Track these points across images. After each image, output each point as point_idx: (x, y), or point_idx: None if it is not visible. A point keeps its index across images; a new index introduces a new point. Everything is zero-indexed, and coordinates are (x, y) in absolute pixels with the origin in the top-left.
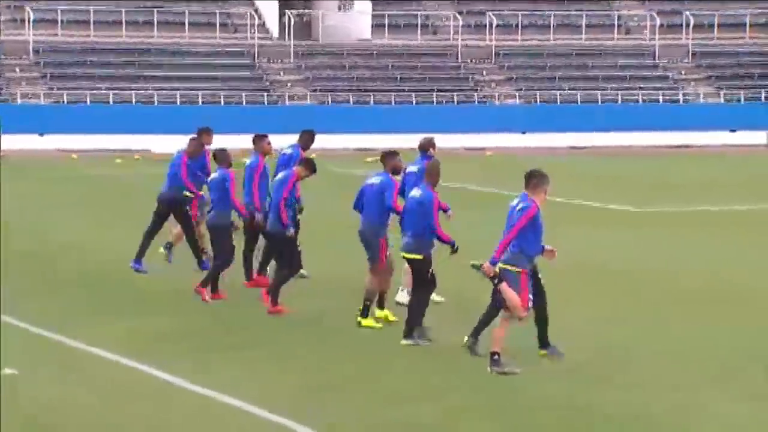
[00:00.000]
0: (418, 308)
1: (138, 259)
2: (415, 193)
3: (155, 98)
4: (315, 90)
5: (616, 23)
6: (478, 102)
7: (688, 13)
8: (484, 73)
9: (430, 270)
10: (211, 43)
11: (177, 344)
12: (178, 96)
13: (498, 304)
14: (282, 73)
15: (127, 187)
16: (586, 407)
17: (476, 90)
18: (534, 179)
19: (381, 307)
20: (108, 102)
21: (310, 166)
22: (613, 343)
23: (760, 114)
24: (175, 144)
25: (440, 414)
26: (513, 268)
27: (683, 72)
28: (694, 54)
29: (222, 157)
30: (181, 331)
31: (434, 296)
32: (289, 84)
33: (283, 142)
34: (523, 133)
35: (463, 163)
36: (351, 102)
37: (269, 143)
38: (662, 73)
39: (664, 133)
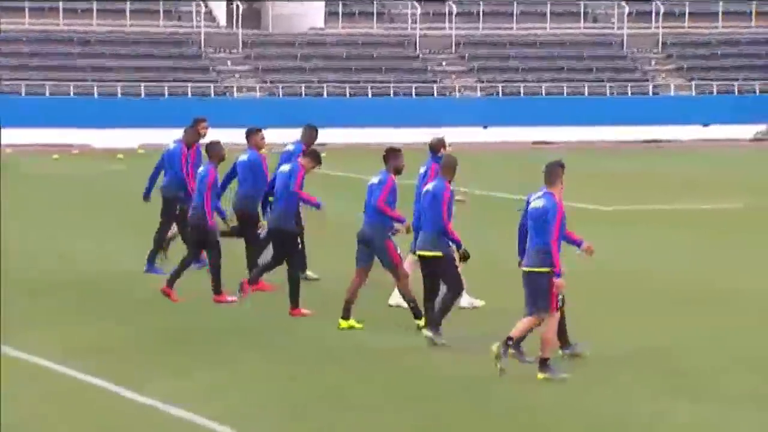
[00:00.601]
0: (450, 305)
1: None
2: (429, 186)
3: (95, 90)
4: (265, 82)
5: (582, 11)
6: (437, 94)
7: (658, 1)
8: (444, 63)
9: (455, 269)
10: (154, 32)
11: (114, 353)
12: (119, 88)
13: (532, 308)
14: (230, 64)
15: (63, 183)
16: (558, 411)
17: (435, 82)
18: (546, 173)
19: (345, 317)
20: (44, 94)
21: (316, 158)
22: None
23: (733, 107)
24: (116, 139)
25: (409, 428)
26: (542, 269)
27: (653, 63)
28: (664, 44)
29: (214, 151)
30: (122, 340)
31: (475, 301)
32: (237, 75)
33: (230, 136)
34: (485, 127)
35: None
36: (303, 94)
37: (263, 137)
38: (631, 64)
39: (633, 128)
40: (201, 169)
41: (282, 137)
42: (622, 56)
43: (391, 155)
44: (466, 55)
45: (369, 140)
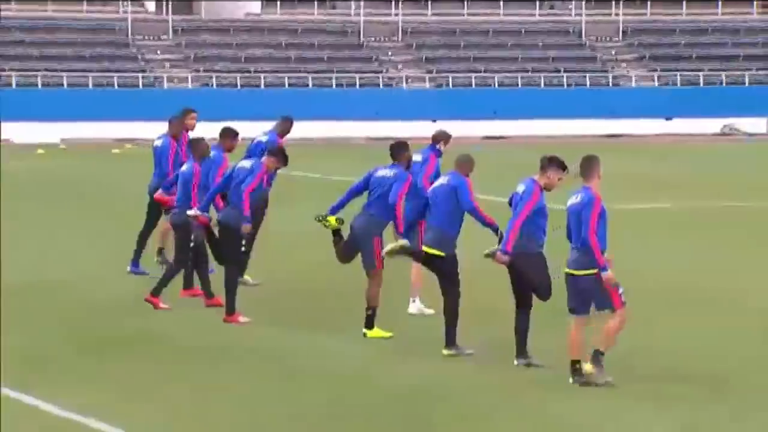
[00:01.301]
0: (453, 312)
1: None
2: (444, 180)
3: (13, 80)
4: (197, 71)
5: None
6: (383, 85)
7: None
8: (390, 53)
9: (457, 269)
10: (77, 17)
11: (32, 365)
12: (39, 78)
13: (600, 307)
14: (159, 52)
15: None
16: (535, 414)
17: (381, 72)
18: (582, 167)
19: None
20: None
21: (282, 158)
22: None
23: (698, 100)
24: (36, 132)
25: None
26: (589, 272)
27: (613, 52)
28: (625, 32)
29: (198, 147)
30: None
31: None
32: (167, 64)
33: (162, 131)
34: (434, 120)
35: (364, 154)
36: (239, 85)
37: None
38: (590, 53)
39: (592, 121)
40: (184, 167)
41: (216, 131)
42: (581, 45)
43: (402, 149)
44: (414, 43)
45: (310, 135)
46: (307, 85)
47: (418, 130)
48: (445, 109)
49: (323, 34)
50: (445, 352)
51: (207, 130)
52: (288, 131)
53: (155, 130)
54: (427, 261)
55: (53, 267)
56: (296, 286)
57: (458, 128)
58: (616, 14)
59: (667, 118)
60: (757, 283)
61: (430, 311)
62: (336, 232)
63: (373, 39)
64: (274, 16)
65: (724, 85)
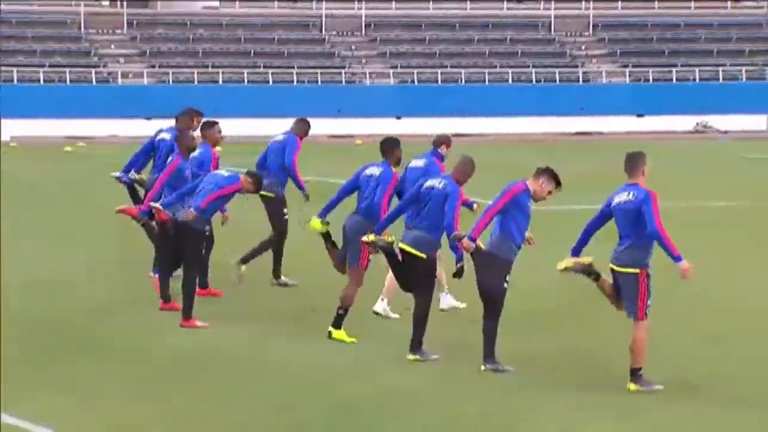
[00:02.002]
0: (422, 315)
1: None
2: (437, 183)
3: None
4: (153, 66)
5: None
6: (346, 82)
7: None
8: (353, 47)
9: (435, 273)
10: (27, 10)
11: None
12: None
13: (629, 312)
14: (113, 47)
15: None
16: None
17: (344, 68)
18: (627, 163)
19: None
20: None
21: (257, 183)
22: (542, 351)
23: (671, 96)
24: None
25: None
26: (630, 269)
27: (583, 47)
28: (595, 26)
29: (184, 141)
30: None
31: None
32: (121, 59)
33: (116, 128)
34: (398, 118)
35: (326, 153)
36: (196, 81)
37: (220, 131)
38: (559, 48)
39: (562, 118)
40: (169, 159)
41: (172, 129)
42: (550, 40)
43: (392, 145)
44: (377, 38)
45: (269, 132)
46: (267, 82)
47: (382, 127)
48: (409, 105)
49: (284, 28)
50: (410, 356)
51: (157, 127)
52: (306, 132)
53: (109, 127)
54: (405, 261)
55: (12, 270)
56: (268, 288)
57: (423, 126)
58: (587, 8)
59: (639, 115)
60: (741, 282)
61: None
62: (327, 238)
63: (335, 33)
64: (233, 10)
65: (697, 81)
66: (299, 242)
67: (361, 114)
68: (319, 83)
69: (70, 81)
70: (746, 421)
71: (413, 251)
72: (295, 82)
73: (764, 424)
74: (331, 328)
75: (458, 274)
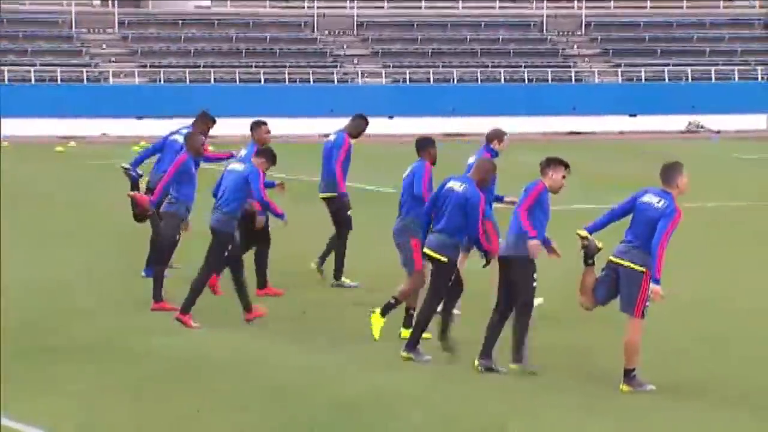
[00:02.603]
0: (426, 316)
1: (147, 266)
2: (458, 186)
3: None
4: (144, 66)
5: None
6: (339, 81)
7: None
8: (345, 47)
9: (452, 277)
10: (19, 9)
11: None
12: None
13: (623, 308)
14: (105, 46)
15: None
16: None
17: (336, 67)
18: (664, 173)
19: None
20: None
21: (270, 156)
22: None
23: (663, 96)
24: None
25: None
26: (639, 267)
27: (575, 47)
28: (587, 26)
29: (193, 142)
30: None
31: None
32: (113, 59)
33: (107, 128)
34: (390, 117)
35: (318, 152)
36: (187, 80)
37: (268, 131)
38: (551, 48)
39: (554, 118)
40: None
41: (162, 128)
42: (542, 39)
43: (426, 144)
44: (370, 37)
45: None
46: (259, 81)
47: (374, 127)
48: (402, 105)
49: (276, 27)
50: (404, 354)
51: (148, 127)
52: (361, 130)
53: (100, 127)
54: (433, 264)
55: (7, 270)
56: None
57: (416, 125)
58: (579, 7)
59: (631, 115)
60: (738, 283)
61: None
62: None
63: (327, 33)
64: (225, 9)
65: (689, 81)
66: (299, 244)
67: (353, 113)
68: (312, 83)
69: (62, 80)
70: (745, 421)
71: (436, 255)
72: (287, 82)
73: (763, 425)
74: (402, 329)
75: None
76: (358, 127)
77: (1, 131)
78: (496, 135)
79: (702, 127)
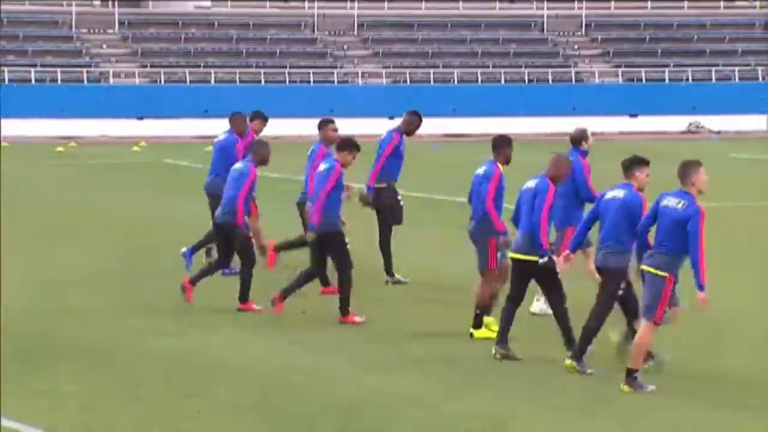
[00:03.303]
0: (563, 313)
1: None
2: (530, 183)
3: None
4: (144, 66)
5: None
6: (339, 82)
7: None
8: (345, 47)
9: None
10: (19, 9)
11: None
12: None
13: (643, 311)
14: (105, 47)
15: None
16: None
17: (336, 67)
18: (681, 171)
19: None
20: None
21: (352, 146)
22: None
23: (664, 96)
24: None
25: None
26: (662, 273)
27: (576, 47)
28: (588, 26)
29: (259, 150)
30: None
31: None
32: (113, 59)
33: (108, 128)
34: (390, 117)
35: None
36: (188, 81)
37: (335, 129)
38: (552, 48)
39: (554, 119)
40: (239, 165)
41: (163, 128)
42: (543, 40)
43: (502, 144)
44: (370, 37)
45: (261, 133)
46: (259, 81)
47: (374, 127)
48: (402, 105)
49: (276, 27)
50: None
51: (148, 127)
52: (414, 127)
53: (101, 127)
54: (519, 269)
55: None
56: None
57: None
58: (579, 8)
59: (632, 115)
60: (736, 283)
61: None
62: None
63: (327, 33)
64: (225, 9)
65: (690, 81)
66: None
67: (353, 114)
68: (312, 83)
69: (62, 81)
70: (746, 421)
71: (526, 257)
72: (287, 82)
73: (763, 426)
74: (471, 330)
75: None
76: (410, 124)
77: (1, 131)
78: (582, 135)
79: (702, 127)
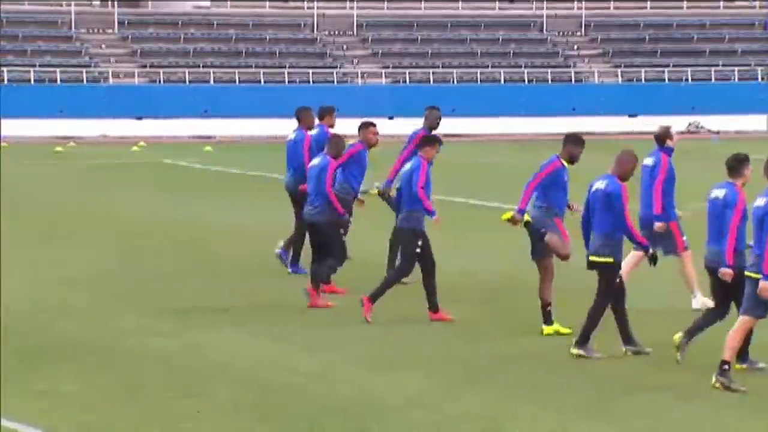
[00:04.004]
0: (595, 317)
1: (293, 262)
2: (600, 184)
3: None
4: (144, 66)
5: None
6: (338, 81)
7: None
8: (345, 47)
9: (617, 277)
10: (19, 9)
11: None
12: None
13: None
14: (104, 46)
15: None
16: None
17: (335, 67)
18: (729, 164)
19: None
20: None
21: (434, 141)
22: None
23: (663, 96)
24: None
25: None
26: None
27: (575, 47)
28: (587, 26)
29: (334, 143)
30: None
31: (707, 301)
32: (112, 59)
33: (107, 128)
34: (391, 118)
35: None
36: (187, 81)
37: (376, 132)
38: (551, 48)
39: (554, 119)
40: (316, 160)
41: (162, 128)
42: (542, 40)
43: (568, 142)
44: (370, 37)
45: (259, 132)
46: (259, 81)
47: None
48: (402, 105)
49: (275, 27)
50: (574, 351)
51: (148, 127)
52: (438, 124)
53: (100, 128)
54: (597, 269)
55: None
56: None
57: (415, 126)
58: (579, 8)
59: (631, 115)
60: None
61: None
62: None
63: (327, 33)
64: (224, 9)
65: (689, 81)
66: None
67: (353, 114)
68: (311, 83)
69: (61, 81)
70: (746, 422)
71: (599, 260)
72: (286, 82)
73: (763, 426)
74: (543, 326)
75: (653, 260)
76: (437, 119)
77: (1, 131)
78: (667, 133)
79: (702, 127)
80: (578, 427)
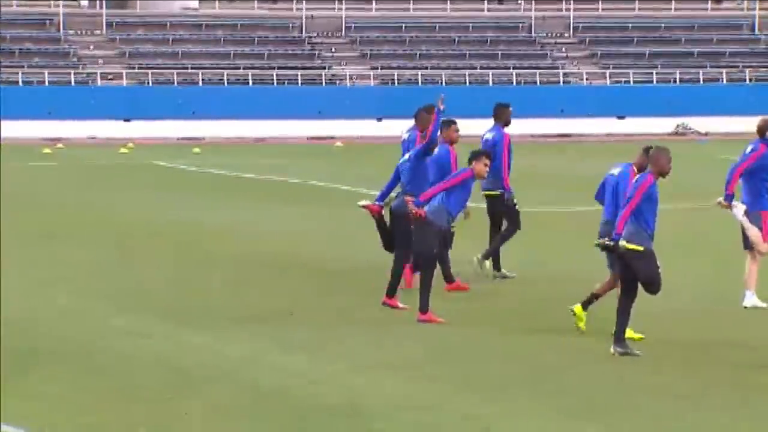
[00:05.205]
0: (624, 313)
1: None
2: (636, 178)
3: None
4: (132, 68)
5: None
6: (326, 83)
7: None
8: (334, 48)
9: (653, 268)
10: (6, 11)
11: None
12: None
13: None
14: (92, 48)
15: None
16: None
17: (324, 69)
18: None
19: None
20: None
21: (482, 154)
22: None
23: (651, 98)
24: None
25: None
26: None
27: (563, 49)
28: (575, 28)
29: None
30: None
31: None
32: (100, 60)
33: (95, 130)
34: (379, 119)
35: (306, 155)
36: (175, 82)
37: (457, 130)
38: (539, 49)
39: (542, 120)
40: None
41: (152, 130)
42: (530, 41)
43: (649, 152)
44: (358, 39)
45: (248, 134)
46: (247, 83)
47: (362, 128)
48: (390, 107)
49: (264, 29)
50: (613, 350)
51: (137, 129)
52: (508, 117)
53: (88, 129)
54: (622, 257)
55: None
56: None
57: (404, 128)
58: (567, 9)
59: (620, 117)
60: (734, 284)
61: (764, 305)
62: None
63: (315, 34)
64: (212, 11)
65: (677, 83)
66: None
67: (341, 115)
68: (300, 84)
69: (49, 82)
70: (747, 422)
71: (630, 247)
72: (275, 83)
73: (764, 426)
74: (578, 305)
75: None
76: (504, 115)
77: (1, 132)
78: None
79: (690, 129)
80: (578, 428)
